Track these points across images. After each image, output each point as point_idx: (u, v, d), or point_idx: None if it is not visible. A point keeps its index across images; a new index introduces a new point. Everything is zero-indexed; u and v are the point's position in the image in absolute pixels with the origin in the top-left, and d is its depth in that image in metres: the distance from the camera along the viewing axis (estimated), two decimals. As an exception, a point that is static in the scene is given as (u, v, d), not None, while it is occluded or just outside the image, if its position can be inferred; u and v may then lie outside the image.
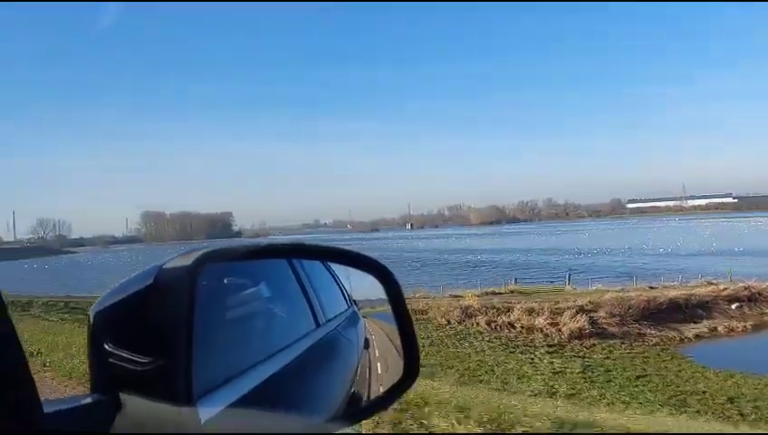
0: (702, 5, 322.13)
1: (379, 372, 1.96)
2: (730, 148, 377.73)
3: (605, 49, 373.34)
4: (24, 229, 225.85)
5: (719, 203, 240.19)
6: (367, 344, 2.08)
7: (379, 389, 1.84)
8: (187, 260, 1.04)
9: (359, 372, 1.93)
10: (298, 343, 1.59)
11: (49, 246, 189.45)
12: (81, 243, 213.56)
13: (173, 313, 0.97)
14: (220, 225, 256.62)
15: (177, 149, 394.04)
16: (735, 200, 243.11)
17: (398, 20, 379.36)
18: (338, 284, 2.14)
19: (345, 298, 2.18)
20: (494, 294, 36.92)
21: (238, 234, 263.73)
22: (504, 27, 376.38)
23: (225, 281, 1.31)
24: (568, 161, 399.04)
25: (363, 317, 2.18)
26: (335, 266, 1.99)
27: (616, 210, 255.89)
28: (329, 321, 1.94)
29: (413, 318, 1.77)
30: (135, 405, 0.94)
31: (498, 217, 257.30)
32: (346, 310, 2.17)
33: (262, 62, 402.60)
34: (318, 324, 1.83)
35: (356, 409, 1.71)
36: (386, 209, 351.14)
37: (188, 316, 0.98)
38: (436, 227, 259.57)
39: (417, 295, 35.76)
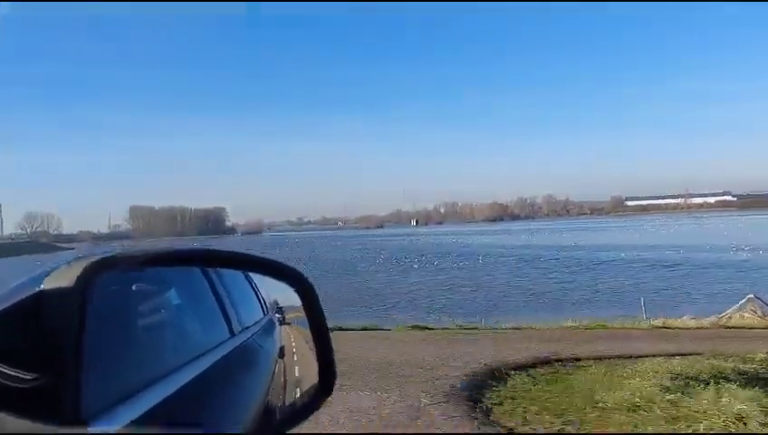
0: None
1: (297, 383, 1.89)
2: (726, 146, 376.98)
3: (605, 48, 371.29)
4: (10, 225, 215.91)
5: (724, 201, 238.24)
6: (282, 353, 1.99)
7: (294, 400, 1.81)
8: (79, 267, 0.96)
9: (273, 382, 1.82)
10: (210, 354, 1.49)
11: (39, 242, 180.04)
12: (70, 239, 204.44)
13: (61, 324, 0.89)
14: (213, 220, 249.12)
15: (167, 143, 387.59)
16: (735, 199, 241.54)
17: (394, 16, 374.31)
18: (255, 291, 2.02)
19: (262, 306, 2.07)
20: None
21: (231, 230, 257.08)
22: (503, 26, 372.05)
23: (134, 287, 1.24)
24: (566, 158, 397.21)
25: (287, 324, 2.05)
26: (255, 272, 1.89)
27: (617, 208, 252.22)
28: (244, 330, 1.83)
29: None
30: (15, 426, 0.84)
31: (501, 214, 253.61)
32: (262, 318, 2.05)
33: (253, 58, 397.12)
34: (232, 333, 1.72)
35: (268, 425, 1.61)
36: (378, 207, 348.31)
37: (78, 327, 0.90)
38: (440, 223, 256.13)
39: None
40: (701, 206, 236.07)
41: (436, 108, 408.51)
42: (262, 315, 2.08)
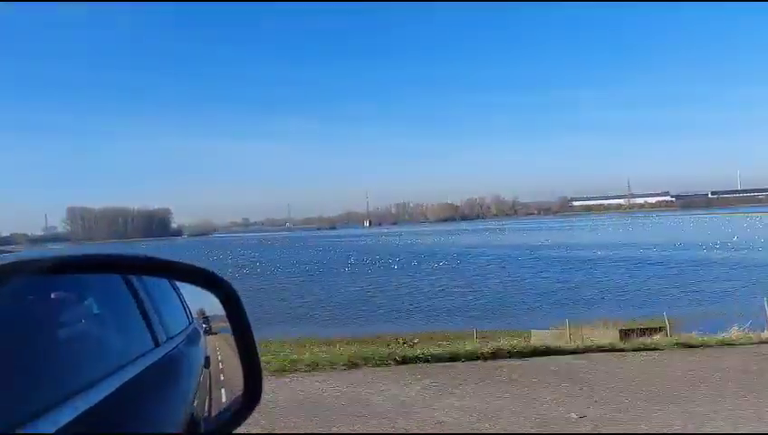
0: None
1: (222, 392, 1.88)
2: (664, 148, 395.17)
3: (550, 52, 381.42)
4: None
5: (665, 201, 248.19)
6: (208, 363, 1.92)
7: (221, 410, 1.79)
8: None
9: (199, 393, 1.76)
10: (133, 365, 1.41)
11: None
12: (3, 241, 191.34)
13: None
14: (158, 222, 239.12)
15: (108, 143, 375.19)
16: (673, 199, 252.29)
17: (339, 17, 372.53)
18: (180, 299, 1.92)
19: (187, 314, 1.97)
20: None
21: (177, 231, 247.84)
22: (454, 30, 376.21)
23: (53, 296, 1.18)
24: (513, 160, 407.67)
25: (214, 334, 1.97)
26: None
27: (564, 208, 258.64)
28: (169, 339, 1.74)
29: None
30: None
31: (452, 214, 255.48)
32: (187, 327, 1.95)
33: (199, 57, 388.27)
34: (156, 343, 1.63)
35: None
36: (325, 208, 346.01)
37: None
38: (394, 224, 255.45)
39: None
40: (642, 206, 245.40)
41: (384, 110, 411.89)
42: (187, 324, 1.95)
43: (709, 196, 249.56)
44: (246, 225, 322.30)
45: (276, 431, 5.88)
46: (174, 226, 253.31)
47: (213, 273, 1.66)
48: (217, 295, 1.68)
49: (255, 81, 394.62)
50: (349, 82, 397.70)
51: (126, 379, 1.29)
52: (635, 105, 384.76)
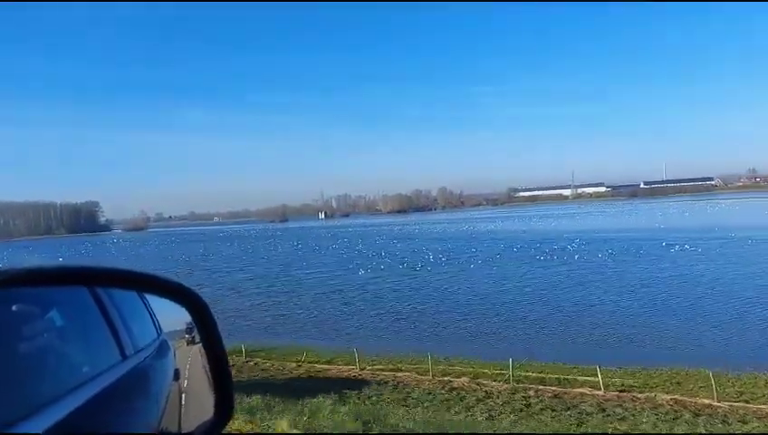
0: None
1: (194, 406, 1.84)
2: (601, 141, 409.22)
3: (493, 48, 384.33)
4: None
5: (600, 192, 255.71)
6: (177, 376, 1.89)
7: (191, 424, 1.76)
8: None
9: (168, 407, 1.74)
10: (97, 379, 1.36)
11: None
12: None
13: None
14: (85, 216, 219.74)
15: (31, 133, 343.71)
16: (608, 189, 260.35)
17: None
18: (148, 310, 1.89)
19: (155, 326, 1.93)
20: None
21: (106, 226, 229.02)
22: (400, 25, 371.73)
23: (15, 308, 1.14)
24: (459, 153, 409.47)
25: (192, 344, 1.92)
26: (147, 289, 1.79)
27: (511, 198, 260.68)
28: (137, 352, 1.70)
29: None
30: None
31: (405, 206, 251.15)
32: (156, 339, 1.92)
33: (121, 46, 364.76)
34: (124, 356, 1.59)
35: None
36: (252, 201, 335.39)
37: None
38: (347, 215, 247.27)
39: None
40: (580, 196, 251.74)
41: (331, 103, 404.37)
42: (156, 336, 1.91)
43: (641, 186, 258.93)
44: (159, 220, 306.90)
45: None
46: (103, 220, 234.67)
47: (181, 284, 1.64)
48: (186, 307, 1.67)
49: (174, 67, 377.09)
50: (273, 71, 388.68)
51: (91, 394, 1.24)
52: (574, 101, 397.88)
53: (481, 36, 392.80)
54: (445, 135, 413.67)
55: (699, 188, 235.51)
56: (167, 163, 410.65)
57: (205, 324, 1.69)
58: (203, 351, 1.82)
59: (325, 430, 5.99)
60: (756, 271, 37.95)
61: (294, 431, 6.49)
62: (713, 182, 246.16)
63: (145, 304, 1.84)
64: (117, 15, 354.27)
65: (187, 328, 1.80)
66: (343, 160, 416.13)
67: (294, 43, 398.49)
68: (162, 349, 1.91)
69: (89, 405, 1.19)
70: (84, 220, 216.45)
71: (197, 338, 1.84)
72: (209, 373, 1.70)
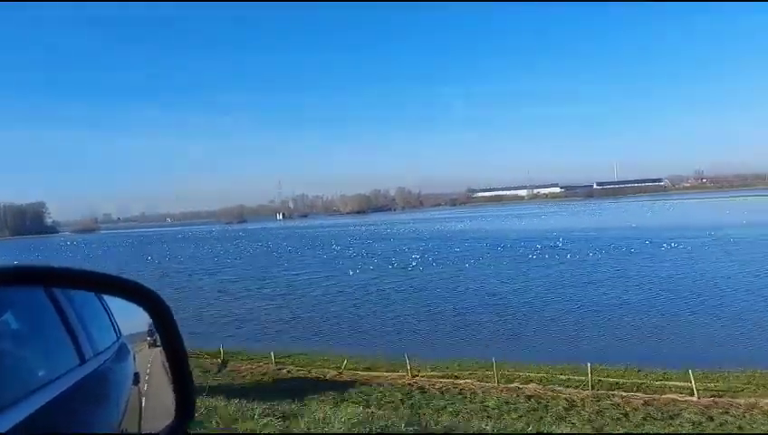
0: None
1: (154, 409, 1.83)
2: (555, 143, 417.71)
3: (441, 48, 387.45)
4: None
5: (569, 191, 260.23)
6: (137, 379, 1.87)
7: (152, 428, 1.75)
8: None
9: (128, 410, 1.72)
10: (54, 384, 1.32)
11: None
12: None
13: None
14: (31, 217, 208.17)
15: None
16: (562, 190, 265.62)
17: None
18: (107, 312, 1.85)
19: (115, 329, 1.90)
20: None
21: (53, 228, 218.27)
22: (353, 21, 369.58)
23: None
24: (416, 153, 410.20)
25: (154, 347, 1.88)
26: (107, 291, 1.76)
27: (470, 199, 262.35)
28: (96, 356, 1.67)
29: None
30: None
31: (365, 206, 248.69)
32: (115, 342, 1.89)
33: (69, 46, 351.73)
34: (82, 360, 1.56)
35: None
36: (204, 202, 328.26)
37: None
38: (306, 216, 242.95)
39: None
40: (536, 196, 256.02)
41: (286, 103, 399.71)
42: (115, 339, 1.88)
43: (594, 187, 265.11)
44: (108, 221, 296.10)
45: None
46: (50, 221, 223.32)
47: (140, 284, 1.63)
48: (145, 308, 1.66)
49: (124, 68, 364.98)
50: (227, 71, 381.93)
51: (47, 399, 1.20)
52: (530, 102, 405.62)
53: (438, 37, 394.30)
54: (401, 135, 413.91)
55: (650, 188, 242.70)
56: (114, 164, 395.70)
57: (165, 326, 1.65)
58: (150, 354, 1.80)
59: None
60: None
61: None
62: (662, 183, 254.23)
63: (104, 306, 1.78)
64: (61, 15, 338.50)
65: (149, 330, 1.76)
66: (299, 160, 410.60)
67: (248, 43, 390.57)
68: (122, 352, 1.85)
69: (45, 411, 1.14)
70: (30, 222, 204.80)
71: (159, 341, 1.78)
72: (170, 375, 1.66)
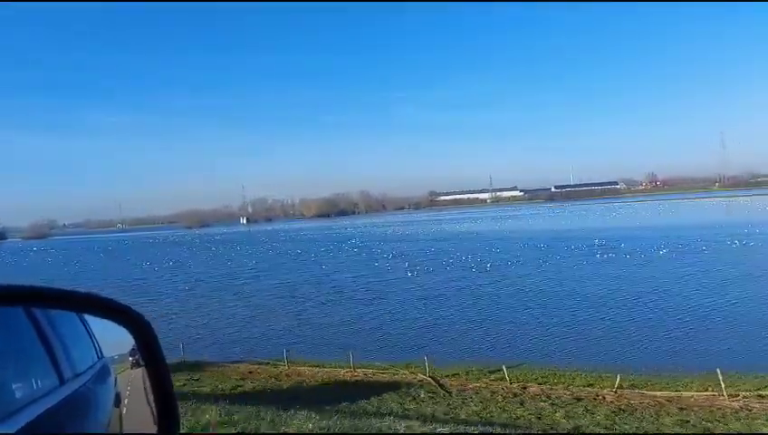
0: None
1: (136, 431, 1.81)
2: (515, 146, 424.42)
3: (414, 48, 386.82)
4: None
5: (530, 194, 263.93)
6: (118, 401, 1.81)
7: None
8: None
9: (108, 433, 1.68)
10: (34, 405, 1.29)
11: None
12: None
13: None
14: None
15: None
16: (522, 193, 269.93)
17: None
18: (88, 332, 1.80)
19: (96, 349, 1.85)
20: None
21: (2, 234, 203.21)
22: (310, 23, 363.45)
23: None
24: (376, 156, 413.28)
25: (137, 367, 1.86)
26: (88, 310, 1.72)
27: (433, 203, 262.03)
28: (76, 377, 1.62)
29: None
30: None
31: (328, 210, 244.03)
32: (96, 362, 1.83)
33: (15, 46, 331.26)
34: (62, 381, 1.52)
35: None
36: (155, 206, 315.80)
37: None
38: (270, 220, 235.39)
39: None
40: (498, 199, 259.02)
41: (240, 105, 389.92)
42: (96, 359, 1.82)
43: (553, 190, 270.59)
44: (53, 227, 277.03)
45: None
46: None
47: (121, 303, 1.61)
48: (127, 327, 1.64)
49: (56, 68, 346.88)
50: (178, 72, 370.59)
51: (26, 420, 1.17)
52: (485, 106, 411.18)
53: (393, 42, 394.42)
54: (360, 138, 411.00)
55: (607, 191, 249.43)
56: (56, 168, 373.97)
57: (147, 344, 1.63)
58: (146, 372, 1.76)
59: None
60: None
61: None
62: (618, 186, 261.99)
63: (85, 326, 1.72)
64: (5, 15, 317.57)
65: (131, 350, 1.74)
66: (255, 164, 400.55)
67: (200, 43, 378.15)
68: (103, 373, 1.79)
69: (26, 430, 1.12)
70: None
71: (141, 360, 1.77)
72: (153, 396, 1.64)
